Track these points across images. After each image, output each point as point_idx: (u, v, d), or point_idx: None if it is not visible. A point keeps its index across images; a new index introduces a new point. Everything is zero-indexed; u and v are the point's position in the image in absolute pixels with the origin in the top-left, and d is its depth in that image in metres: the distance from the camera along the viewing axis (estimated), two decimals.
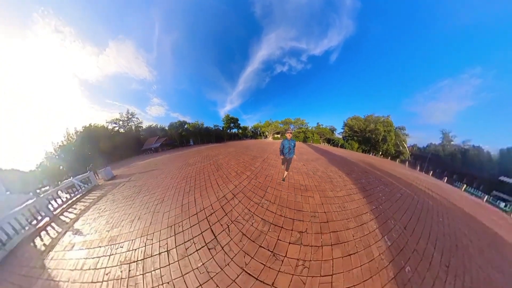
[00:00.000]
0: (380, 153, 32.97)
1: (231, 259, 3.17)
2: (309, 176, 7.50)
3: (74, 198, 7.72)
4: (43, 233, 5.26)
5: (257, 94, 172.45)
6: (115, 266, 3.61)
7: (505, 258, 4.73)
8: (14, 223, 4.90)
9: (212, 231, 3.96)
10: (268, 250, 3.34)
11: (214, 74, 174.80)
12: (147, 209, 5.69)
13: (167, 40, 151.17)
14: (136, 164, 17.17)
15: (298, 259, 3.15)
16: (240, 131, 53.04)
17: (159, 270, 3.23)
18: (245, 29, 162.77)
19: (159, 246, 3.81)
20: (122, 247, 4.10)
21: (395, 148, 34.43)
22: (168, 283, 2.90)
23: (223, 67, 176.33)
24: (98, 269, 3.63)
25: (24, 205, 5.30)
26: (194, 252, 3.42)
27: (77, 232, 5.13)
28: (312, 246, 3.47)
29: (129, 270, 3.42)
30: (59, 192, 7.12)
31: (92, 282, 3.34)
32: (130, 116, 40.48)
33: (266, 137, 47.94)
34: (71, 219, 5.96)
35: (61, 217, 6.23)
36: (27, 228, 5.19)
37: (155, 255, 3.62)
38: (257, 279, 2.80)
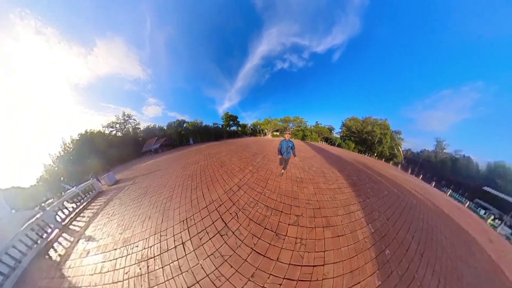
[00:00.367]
0: (375, 154, 33.97)
1: (242, 241, 3.71)
2: (304, 170, 8.19)
3: (80, 207, 7.74)
4: (55, 244, 5.33)
5: (256, 91, 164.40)
6: (133, 264, 3.81)
7: (472, 254, 5.50)
8: (25, 239, 4.92)
9: (222, 219, 4.47)
10: (272, 231, 3.94)
11: (211, 70, 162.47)
12: (156, 208, 5.91)
13: (160, 36, 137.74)
14: (137, 166, 17.10)
15: (296, 238, 3.75)
16: (240, 128, 52.55)
17: (176, 261, 3.55)
18: (244, 22, 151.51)
19: (174, 240, 4.13)
20: (137, 246, 4.32)
21: (390, 150, 35.53)
22: (187, 271, 3.30)
23: (221, 63, 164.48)
24: (117, 269, 3.82)
25: (32, 220, 5.32)
26: (208, 241, 3.87)
27: (90, 238, 5.26)
28: (307, 227, 4.09)
29: (148, 266, 3.64)
30: (65, 202, 7.14)
31: (113, 282, 3.54)
32: (126, 118, 39.72)
33: (265, 134, 48.21)
34: (81, 227, 6.06)
35: (71, 226, 6.31)
36: (39, 242, 5.23)
37: (171, 249, 3.92)
38: (264, 256, 3.36)
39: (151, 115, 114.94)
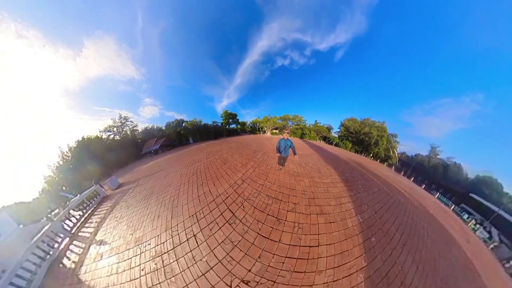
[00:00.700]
0: (371, 155, 34.85)
1: (248, 227, 4.23)
2: (301, 166, 8.92)
3: (87, 214, 7.81)
4: (68, 252, 5.46)
5: (256, 89, 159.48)
6: (148, 261, 4.04)
7: (450, 251, 6.20)
8: (37, 251, 5.01)
9: (230, 210, 4.96)
10: (274, 216, 4.55)
11: (209, 67, 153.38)
12: (164, 206, 6.16)
13: (153, 31, 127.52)
14: (139, 168, 17.11)
15: (294, 222, 4.36)
16: (239, 126, 52.63)
17: (190, 253, 3.91)
18: (243, 16, 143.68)
19: (186, 234, 4.47)
20: (150, 244, 4.55)
21: (385, 152, 36.44)
22: (201, 260, 3.71)
23: (219, 59, 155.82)
24: (132, 268, 4.00)
25: (42, 232, 5.40)
26: (218, 230, 4.33)
27: (101, 242, 5.38)
28: (303, 213, 4.71)
29: (163, 261, 3.90)
30: (71, 211, 7.18)
31: (130, 280, 3.74)
32: (123, 121, 38.98)
33: (264, 132, 48.55)
34: (90, 233, 6.18)
35: (80, 233, 6.42)
36: (51, 252, 5.34)
37: (183, 242, 4.26)
38: (268, 238, 3.92)
39: (148, 116, 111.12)
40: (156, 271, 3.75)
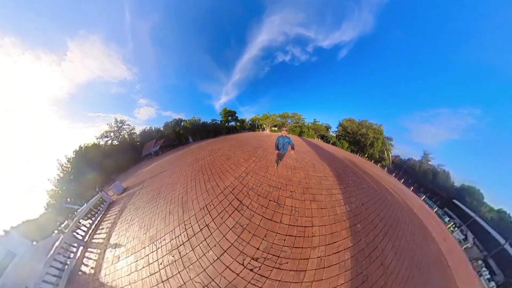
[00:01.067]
0: (366, 155, 35.89)
1: (254, 212, 5.02)
2: (297, 161, 9.90)
3: (96, 221, 7.98)
4: (85, 260, 5.71)
5: (255, 85, 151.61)
6: (165, 255, 4.41)
7: (427, 244, 7.23)
8: (55, 264, 5.21)
9: (237, 199, 5.71)
10: (274, 201, 5.47)
11: (206, 63, 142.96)
12: (174, 203, 6.60)
13: (143, 26, 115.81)
14: (141, 171, 17.22)
15: (291, 206, 5.25)
16: (238, 124, 52.89)
17: (204, 241, 4.48)
18: (242, 6, 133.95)
19: (198, 225, 5.01)
20: (164, 239, 4.93)
21: (380, 154, 37.63)
22: (215, 246, 4.34)
23: (216, 55, 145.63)
24: (151, 263, 4.31)
25: (56, 245, 5.56)
26: (228, 217, 5.02)
27: (116, 245, 5.58)
28: (299, 199, 5.62)
29: (179, 252, 4.33)
30: (80, 221, 7.31)
31: (150, 275, 4.07)
32: (120, 125, 38.27)
33: (263, 129, 49.00)
34: (103, 238, 6.39)
35: (94, 240, 6.64)
36: (68, 262, 5.56)
37: (197, 232, 4.78)
38: (271, 220, 4.73)
39: (144, 117, 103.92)
40: (174, 263, 4.13)
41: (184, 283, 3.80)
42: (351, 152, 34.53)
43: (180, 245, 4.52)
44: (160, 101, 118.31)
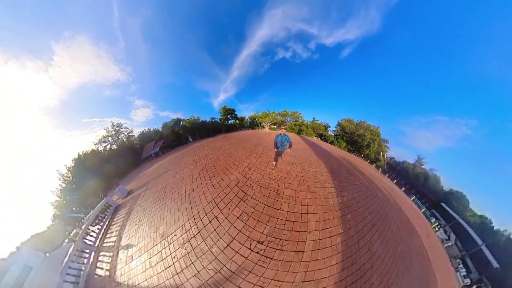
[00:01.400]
0: (362, 155, 36.74)
1: (257, 201, 5.74)
2: (295, 157, 10.88)
3: (105, 226, 8.13)
4: (98, 264, 5.94)
5: (254, 82, 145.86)
6: (178, 249, 4.72)
7: (411, 237, 8.16)
8: (71, 271, 5.37)
9: (242, 190, 6.39)
10: (275, 192, 6.25)
11: (202, 59, 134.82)
12: (182, 200, 6.98)
13: (134, 23, 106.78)
14: (144, 173, 17.38)
15: (290, 197, 6.06)
16: (238, 122, 53.20)
17: (214, 231, 4.94)
18: None
19: (207, 218, 5.46)
20: (176, 234, 5.25)
21: (375, 155, 38.65)
22: (224, 234, 4.87)
23: (214, 50, 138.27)
24: (164, 258, 4.55)
25: (69, 253, 5.70)
26: (235, 208, 5.64)
27: (128, 246, 5.77)
28: (295, 190, 6.43)
29: (191, 245, 4.68)
30: (90, 227, 7.44)
31: (165, 268, 4.33)
32: (117, 128, 37.75)
33: (263, 127, 49.49)
34: (114, 241, 6.59)
35: (105, 244, 6.83)
36: (83, 268, 5.75)
37: (207, 224, 5.22)
38: (272, 207, 5.49)
39: (141, 119, 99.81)
40: (187, 255, 4.41)
41: (198, 272, 4.17)
42: (348, 151, 35.50)
43: (192, 237, 4.88)
44: (157, 101, 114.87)
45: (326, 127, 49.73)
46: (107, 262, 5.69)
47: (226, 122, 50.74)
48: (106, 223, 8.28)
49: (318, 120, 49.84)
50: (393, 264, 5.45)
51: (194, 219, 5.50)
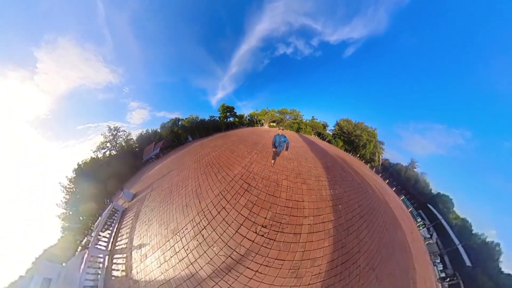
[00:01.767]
0: (358, 155, 37.77)
1: (260, 190, 6.67)
2: (292, 154, 11.84)
3: (115, 230, 8.30)
4: (114, 266, 6.19)
5: (253, 79, 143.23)
6: (190, 241, 5.07)
7: (396, 231, 9.18)
8: (89, 276, 5.64)
9: (246, 182, 7.20)
10: (275, 182, 7.27)
11: (198, 55, 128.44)
12: (189, 196, 7.43)
13: (122, 19, 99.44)
14: (147, 175, 17.38)
15: (287, 186, 7.07)
16: (237, 119, 53.62)
17: (223, 221, 5.53)
18: None
19: (216, 209, 6.04)
20: (187, 228, 5.66)
21: (371, 155, 39.80)
22: (232, 222, 5.52)
23: (211, 45, 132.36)
24: (178, 252, 4.85)
25: (84, 261, 5.92)
26: (241, 197, 6.42)
27: (140, 246, 5.99)
28: (292, 181, 7.43)
29: (202, 236, 5.12)
30: (100, 233, 7.62)
31: (180, 261, 4.66)
32: (115, 133, 36.73)
33: (262, 125, 50.08)
34: (126, 243, 6.81)
35: (117, 247, 7.04)
36: (100, 272, 6.03)
37: (216, 215, 5.79)
38: (273, 195, 6.44)
39: (138, 121, 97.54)
40: (199, 245, 4.78)
41: (211, 259, 4.64)
42: (344, 150, 36.37)
43: (202, 229, 5.34)
44: (152, 102, 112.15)
45: (325, 126, 50.68)
46: (122, 263, 5.97)
47: (225, 120, 50.81)
48: (116, 227, 8.47)
49: (317, 119, 50.99)
50: (378, 250, 6.20)
51: (203, 211, 5.93)
